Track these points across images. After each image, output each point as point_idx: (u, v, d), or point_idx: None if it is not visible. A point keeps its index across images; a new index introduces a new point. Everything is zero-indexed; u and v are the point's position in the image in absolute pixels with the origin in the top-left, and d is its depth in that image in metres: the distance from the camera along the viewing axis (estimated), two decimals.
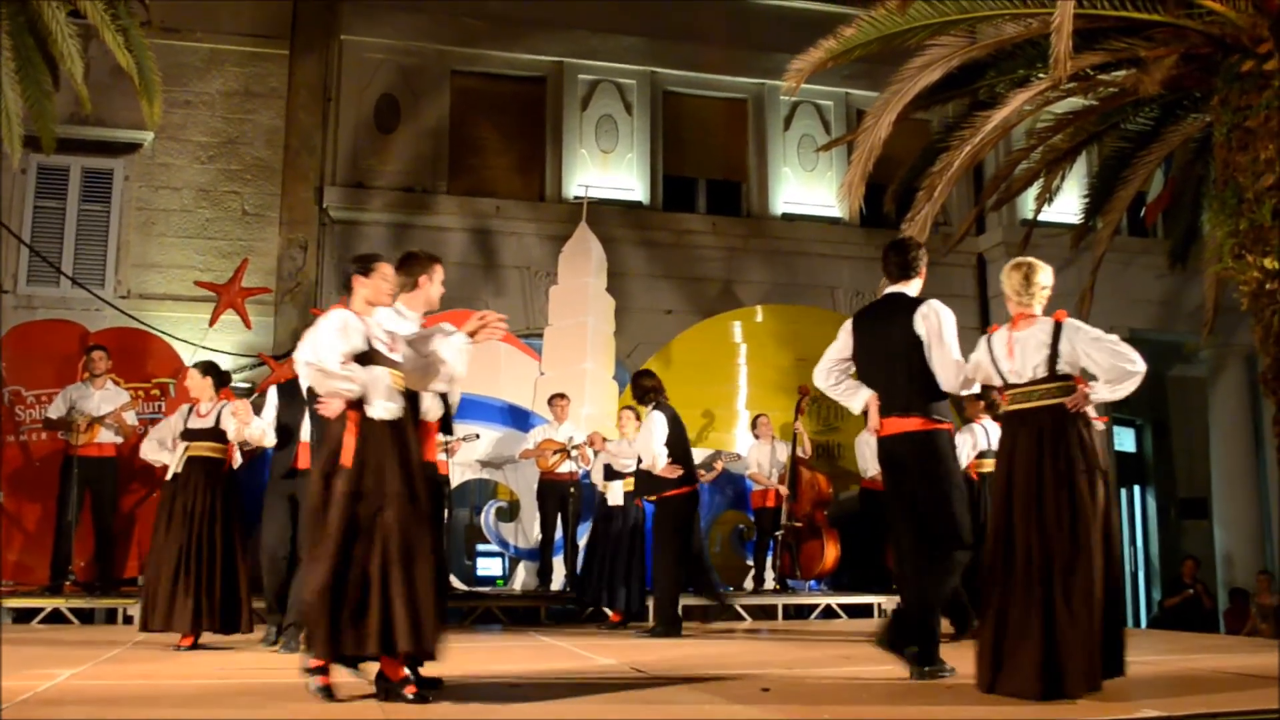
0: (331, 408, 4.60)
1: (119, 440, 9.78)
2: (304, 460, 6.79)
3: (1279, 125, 8.33)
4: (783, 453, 11.02)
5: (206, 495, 7.05)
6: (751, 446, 11.42)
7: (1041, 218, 12.01)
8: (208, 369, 7.47)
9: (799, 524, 10.57)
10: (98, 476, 9.68)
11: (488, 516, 11.14)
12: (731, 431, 12.33)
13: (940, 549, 5.18)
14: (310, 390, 4.89)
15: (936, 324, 5.29)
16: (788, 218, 14.65)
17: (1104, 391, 4.82)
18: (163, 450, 7.41)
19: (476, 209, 13.65)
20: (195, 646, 6.92)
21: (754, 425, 11.47)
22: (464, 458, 10.50)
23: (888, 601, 10.59)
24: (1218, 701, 4.49)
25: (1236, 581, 14.12)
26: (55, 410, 9.71)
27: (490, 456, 11.02)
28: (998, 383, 5.02)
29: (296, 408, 6.87)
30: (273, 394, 7.53)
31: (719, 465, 10.70)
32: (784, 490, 10.72)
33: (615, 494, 9.47)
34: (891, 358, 5.34)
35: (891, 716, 4.37)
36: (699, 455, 10.84)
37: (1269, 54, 8.36)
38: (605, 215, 13.40)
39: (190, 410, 7.32)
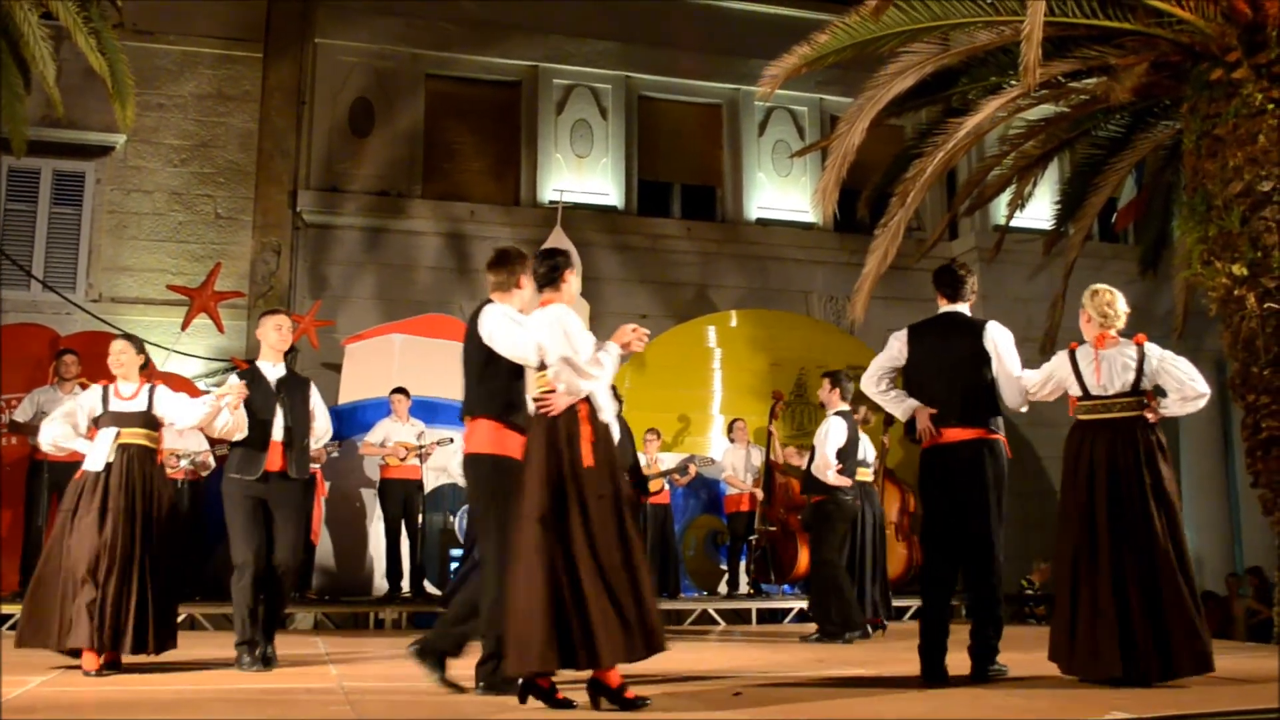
0: (559, 405, 4.52)
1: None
2: (276, 462, 6.17)
3: (1247, 133, 8.40)
4: (757, 457, 11.05)
5: (145, 491, 5.96)
6: (726, 450, 11.44)
7: (1014, 223, 12.08)
8: (140, 345, 6.39)
9: (773, 528, 10.59)
10: (65, 481, 9.58)
11: (462, 521, 11.12)
12: (706, 435, 12.36)
13: (985, 555, 5.49)
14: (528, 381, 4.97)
15: (1007, 344, 5.68)
16: (762, 223, 14.69)
17: (1175, 408, 5.52)
18: (76, 437, 6.23)
19: (451, 213, 13.63)
20: (113, 665, 5.84)
21: (730, 429, 11.50)
22: (437, 462, 10.47)
23: None
24: (1185, 702, 4.53)
25: (1206, 584, 14.22)
26: (22, 414, 9.62)
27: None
28: (1074, 393, 5.52)
29: (267, 403, 6.16)
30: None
31: (692, 469, 10.71)
32: (759, 494, 10.74)
33: None
34: (956, 372, 5.61)
35: (863, 712, 4.39)
36: (673, 459, 10.87)
37: (1238, 62, 8.43)
38: (580, 220, 13.41)
39: (107, 391, 6.15)
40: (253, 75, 13.34)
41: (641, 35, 14.43)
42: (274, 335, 6.26)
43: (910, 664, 5.44)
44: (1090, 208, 11.50)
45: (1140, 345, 5.47)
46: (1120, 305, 5.54)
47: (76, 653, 5.75)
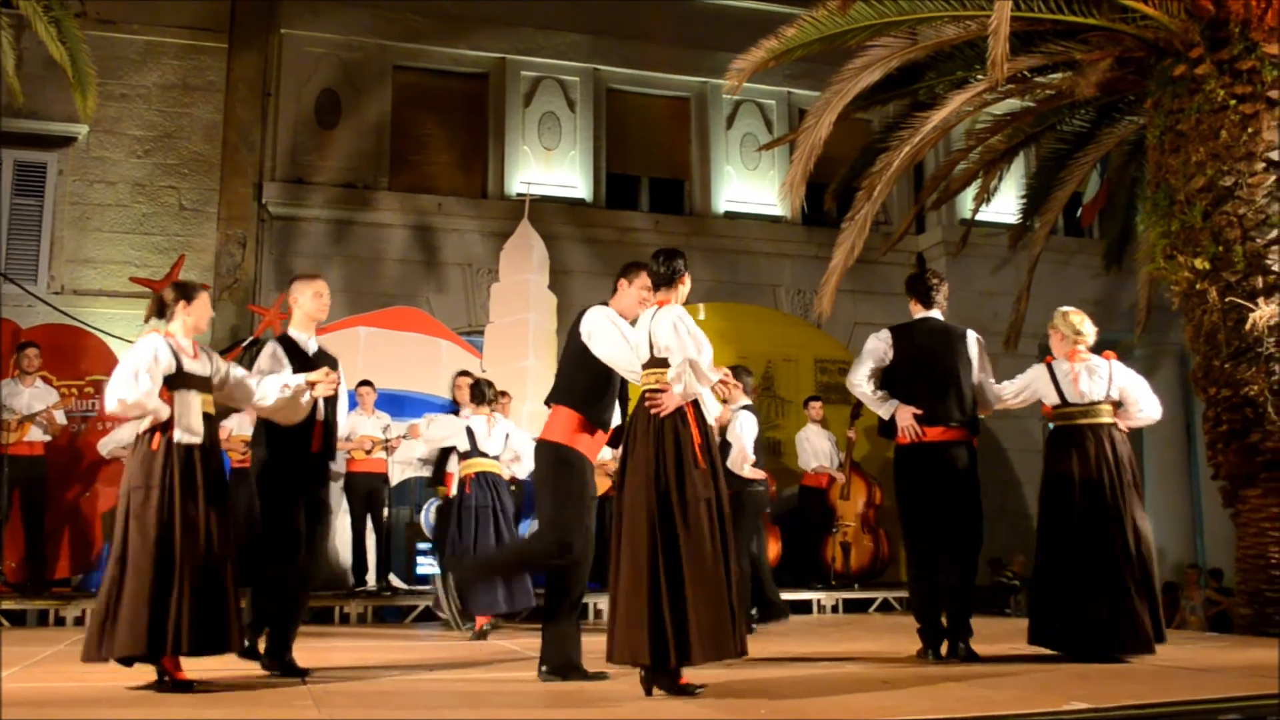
0: (669, 405, 4.61)
1: (48, 439, 9.62)
2: (316, 443, 5.54)
3: (1210, 128, 8.48)
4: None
5: (216, 476, 5.06)
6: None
7: (980, 217, 12.18)
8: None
9: None
10: (28, 475, 9.51)
11: (427, 514, 11.06)
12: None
13: (974, 545, 5.99)
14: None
15: (982, 352, 6.23)
16: (730, 216, 14.71)
17: (1140, 419, 6.29)
18: (152, 398, 4.96)
19: (418, 205, 13.57)
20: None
21: None
22: (404, 455, 10.43)
23: (826, 597, 10.69)
24: (1145, 693, 4.57)
25: (1168, 576, 14.37)
26: None
27: (431, 454, 10.96)
28: (1051, 402, 6.14)
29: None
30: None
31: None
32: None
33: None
34: (945, 375, 6.05)
35: (830, 711, 4.41)
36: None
37: (1200, 58, 8.51)
38: (548, 212, 13.38)
39: (171, 350, 5.07)
40: (217, 66, 13.22)
41: (610, 28, 14.40)
42: (314, 303, 5.61)
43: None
44: (1055, 202, 11.60)
45: (1110, 360, 6.24)
46: (1089, 326, 6.22)
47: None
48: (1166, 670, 5.42)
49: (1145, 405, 6.23)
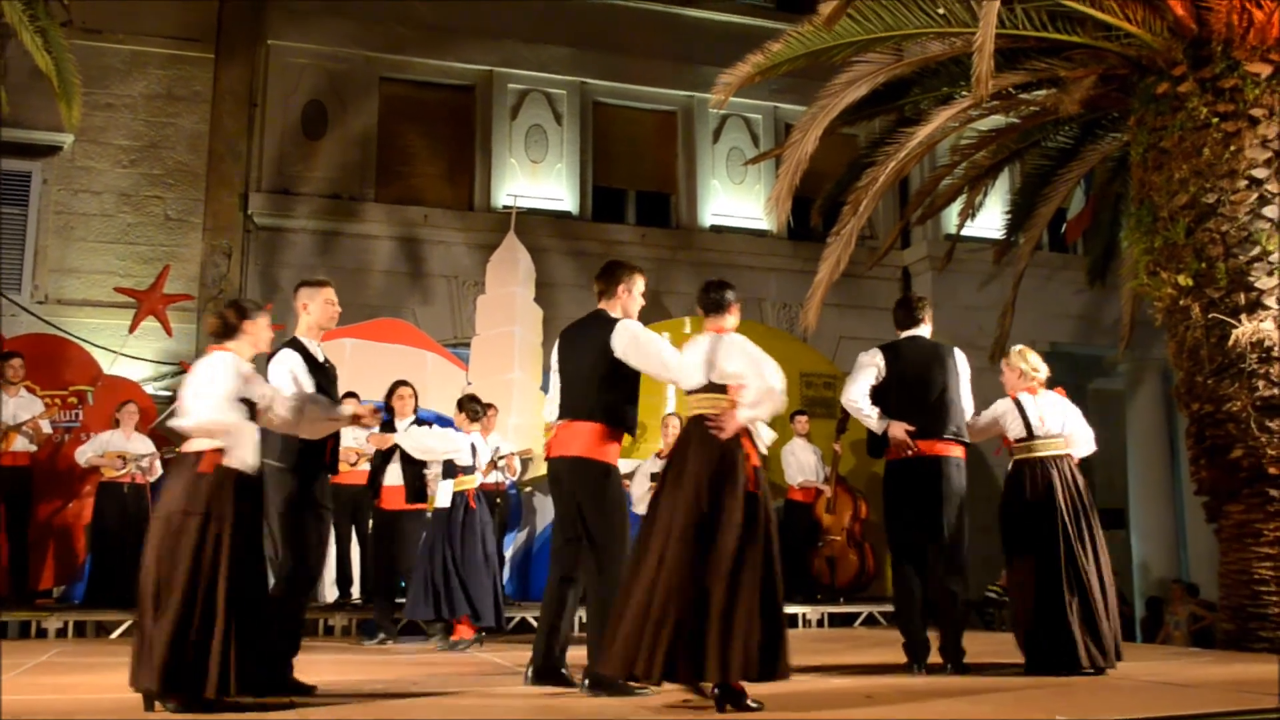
0: (731, 428, 4.73)
1: (33, 449, 9.57)
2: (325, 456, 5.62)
3: (1193, 146, 8.54)
4: None
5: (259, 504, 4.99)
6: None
7: (965, 233, 12.22)
8: None
9: None
10: (13, 486, 9.47)
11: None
12: (659, 442, 12.33)
13: (961, 554, 6.14)
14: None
15: (968, 372, 6.40)
16: (716, 229, 14.73)
17: (1081, 452, 6.48)
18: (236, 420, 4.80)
19: (404, 217, 13.55)
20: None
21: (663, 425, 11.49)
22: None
23: (812, 611, 10.69)
24: (1129, 706, 4.59)
25: (1152, 590, 14.43)
26: None
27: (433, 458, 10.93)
28: (1017, 435, 6.30)
29: (331, 389, 5.53)
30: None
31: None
32: None
33: (443, 495, 8.45)
34: (935, 391, 6.18)
35: None
36: (628, 465, 10.85)
37: (1183, 76, 8.57)
38: (534, 225, 13.39)
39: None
40: (203, 76, 13.20)
41: (596, 41, 14.44)
42: (325, 311, 5.41)
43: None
44: (1040, 218, 11.65)
45: (1060, 395, 6.45)
46: (1043, 363, 6.48)
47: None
48: (1151, 685, 5.44)
49: (1085, 439, 6.48)
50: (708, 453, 4.70)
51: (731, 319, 5.15)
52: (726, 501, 4.59)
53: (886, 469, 6.26)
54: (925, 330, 6.45)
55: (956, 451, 6.15)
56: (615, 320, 5.30)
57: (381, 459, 8.74)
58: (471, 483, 8.28)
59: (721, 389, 4.86)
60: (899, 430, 6.05)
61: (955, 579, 6.06)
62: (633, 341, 5.19)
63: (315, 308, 5.38)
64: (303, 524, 5.13)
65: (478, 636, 8.12)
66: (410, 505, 8.70)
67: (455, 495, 8.26)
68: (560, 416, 5.30)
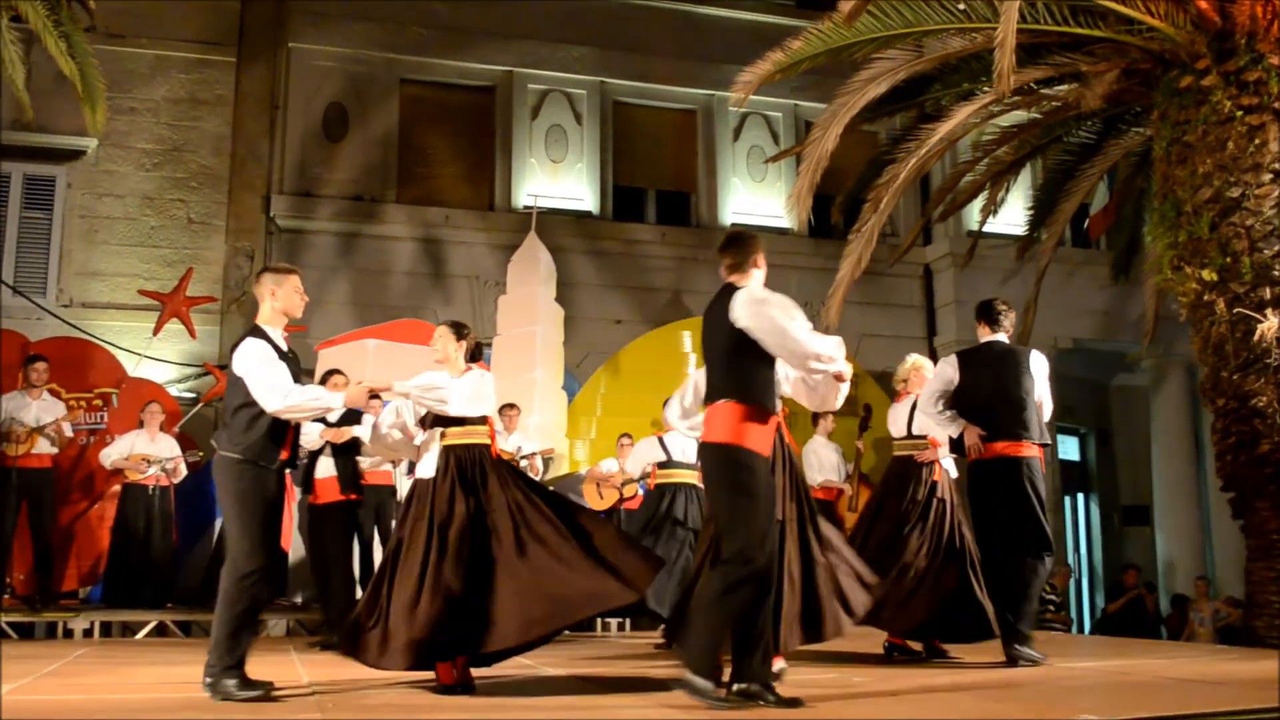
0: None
1: (55, 451, 9.63)
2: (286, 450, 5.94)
3: (1217, 140, 8.48)
4: None
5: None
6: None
7: (986, 229, 12.18)
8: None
9: None
10: (36, 488, 9.51)
11: None
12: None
13: (1039, 550, 6.26)
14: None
15: (1048, 369, 6.56)
16: (737, 228, 14.70)
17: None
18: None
19: (425, 218, 13.59)
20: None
21: None
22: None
23: None
24: (1155, 705, 4.56)
25: (1177, 588, 14.33)
26: None
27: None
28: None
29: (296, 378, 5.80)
30: None
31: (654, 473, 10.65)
32: None
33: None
34: (1008, 393, 6.33)
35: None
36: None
37: (1207, 70, 8.51)
38: (554, 225, 13.40)
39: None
40: (226, 79, 13.27)
41: (616, 41, 14.44)
42: (295, 299, 5.24)
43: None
44: (1062, 213, 11.59)
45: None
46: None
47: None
48: (1177, 683, 5.41)
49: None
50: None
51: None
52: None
53: (968, 469, 6.47)
54: (1003, 335, 6.60)
55: (1031, 452, 6.27)
56: (737, 289, 4.98)
57: (314, 452, 8.16)
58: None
59: None
60: (972, 434, 6.30)
61: (1028, 566, 6.24)
62: (754, 310, 4.85)
63: (283, 294, 5.20)
64: (254, 514, 4.93)
65: None
66: (344, 496, 8.16)
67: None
68: (705, 401, 4.93)
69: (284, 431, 5.04)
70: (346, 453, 8.13)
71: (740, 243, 5.21)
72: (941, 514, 6.72)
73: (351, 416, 8.07)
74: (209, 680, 4.75)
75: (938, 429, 6.54)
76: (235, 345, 5.07)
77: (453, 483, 5.29)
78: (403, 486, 8.38)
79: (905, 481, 6.85)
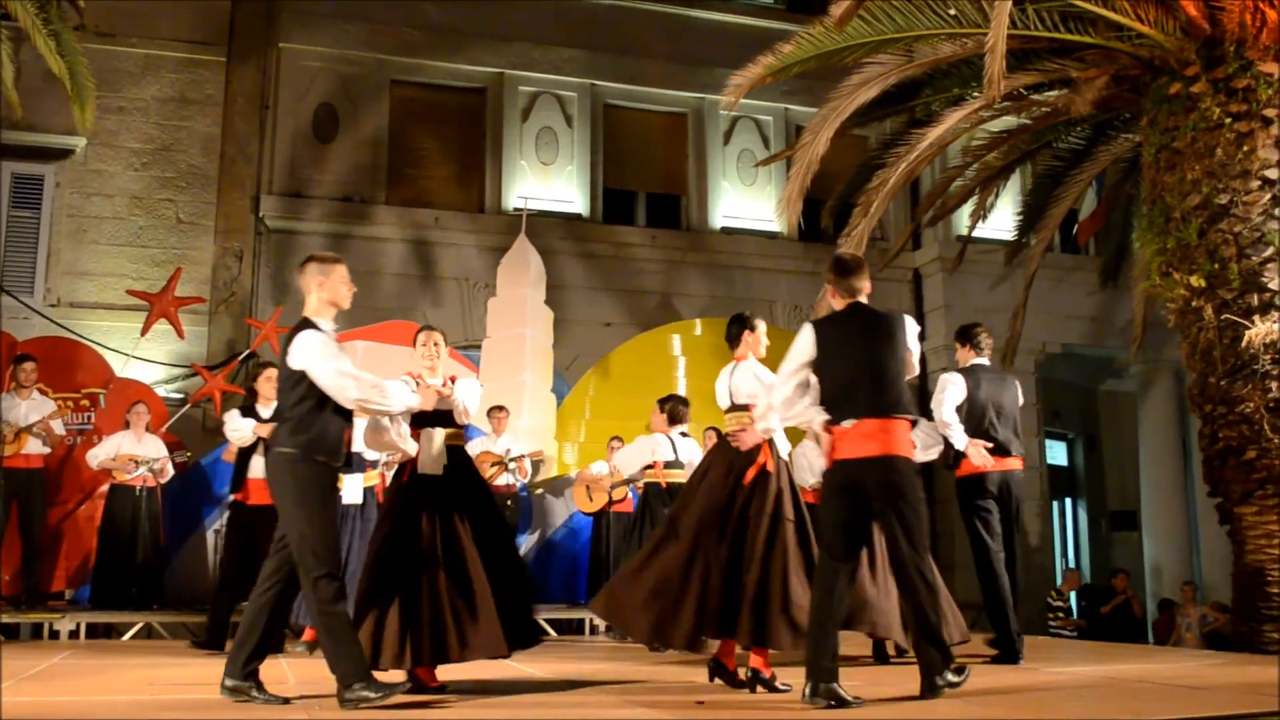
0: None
1: (46, 451, 9.60)
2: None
3: (1205, 146, 8.51)
4: None
5: None
6: (704, 458, 11.40)
7: (976, 234, 12.20)
8: None
9: None
10: (25, 487, 9.47)
11: None
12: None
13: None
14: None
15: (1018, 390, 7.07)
16: (727, 231, 14.73)
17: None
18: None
19: (415, 220, 13.58)
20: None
21: (704, 438, 11.47)
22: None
23: None
24: (1143, 710, 4.57)
25: (1165, 592, 14.38)
26: None
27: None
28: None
29: None
30: None
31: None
32: None
33: (353, 490, 7.85)
34: (1009, 413, 6.85)
35: None
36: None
37: (1195, 77, 8.55)
38: (545, 227, 13.39)
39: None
40: (216, 79, 13.24)
41: (607, 43, 14.45)
42: (343, 289, 5.12)
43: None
44: (1051, 219, 11.62)
45: None
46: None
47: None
48: (1164, 688, 5.42)
49: None
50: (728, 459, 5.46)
51: (743, 348, 5.88)
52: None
53: (962, 481, 6.83)
54: (985, 358, 6.97)
55: (1020, 465, 6.88)
56: (897, 314, 5.19)
57: (246, 450, 7.75)
58: (376, 478, 7.72)
59: (745, 409, 5.57)
60: (978, 449, 6.63)
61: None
62: (915, 339, 5.15)
63: (330, 285, 5.09)
64: (323, 512, 4.85)
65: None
66: None
67: (366, 491, 7.75)
68: (853, 415, 4.88)
69: (345, 426, 4.93)
70: None
71: (863, 266, 5.31)
72: None
73: None
74: (347, 698, 4.56)
75: (958, 438, 6.70)
76: (289, 340, 4.92)
77: (458, 484, 5.36)
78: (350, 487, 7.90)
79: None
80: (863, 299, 5.11)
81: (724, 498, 5.41)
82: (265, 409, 7.61)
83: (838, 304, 5.14)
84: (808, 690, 4.63)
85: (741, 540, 5.29)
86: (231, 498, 7.96)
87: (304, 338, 4.86)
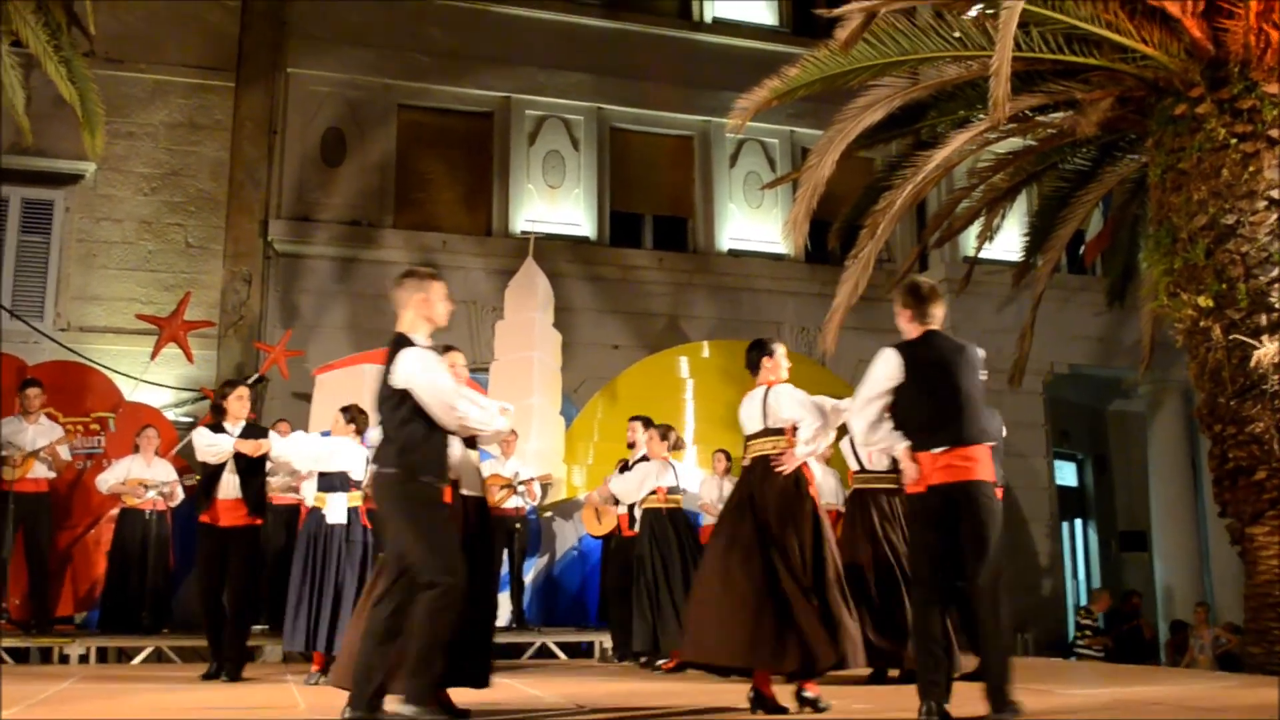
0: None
1: (53, 475, 9.62)
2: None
3: (1211, 167, 8.52)
4: (730, 488, 11.00)
5: None
6: (703, 480, 11.39)
7: (983, 255, 12.20)
8: None
9: None
10: (32, 512, 9.49)
11: None
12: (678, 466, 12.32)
13: None
14: None
15: None
16: (733, 253, 14.76)
17: None
18: None
19: (423, 243, 13.61)
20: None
21: (712, 460, 11.45)
22: None
23: None
24: None
25: (1176, 613, 14.31)
26: None
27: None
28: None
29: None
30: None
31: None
32: None
33: (337, 510, 7.63)
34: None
35: None
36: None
37: (1201, 97, 8.56)
38: (552, 250, 13.43)
39: None
40: (224, 104, 13.31)
41: (613, 67, 14.51)
42: (440, 306, 5.04)
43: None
44: (1058, 240, 11.62)
45: None
46: None
47: None
48: (1177, 710, 5.39)
49: None
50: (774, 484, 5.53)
51: (763, 374, 5.97)
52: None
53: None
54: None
55: None
56: (970, 344, 5.24)
57: (213, 469, 7.45)
58: (359, 498, 7.61)
59: (780, 433, 5.69)
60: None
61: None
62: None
63: (426, 301, 4.99)
64: (435, 527, 4.71)
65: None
66: (250, 520, 7.46)
67: (350, 512, 7.58)
68: (946, 442, 4.93)
69: (446, 443, 4.87)
70: (255, 472, 7.48)
71: (939, 294, 5.32)
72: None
73: (258, 431, 7.63)
74: (408, 714, 4.47)
75: None
76: (391, 357, 4.79)
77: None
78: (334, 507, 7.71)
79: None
80: (937, 326, 5.14)
81: (776, 522, 5.48)
82: (234, 427, 7.50)
83: (912, 331, 5.14)
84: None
85: (803, 564, 5.40)
86: (199, 519, 7.55)
87: (408, 355, 4.77)
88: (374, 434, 5.29)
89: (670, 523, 8.66)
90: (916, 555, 5.03)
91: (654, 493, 8.78)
